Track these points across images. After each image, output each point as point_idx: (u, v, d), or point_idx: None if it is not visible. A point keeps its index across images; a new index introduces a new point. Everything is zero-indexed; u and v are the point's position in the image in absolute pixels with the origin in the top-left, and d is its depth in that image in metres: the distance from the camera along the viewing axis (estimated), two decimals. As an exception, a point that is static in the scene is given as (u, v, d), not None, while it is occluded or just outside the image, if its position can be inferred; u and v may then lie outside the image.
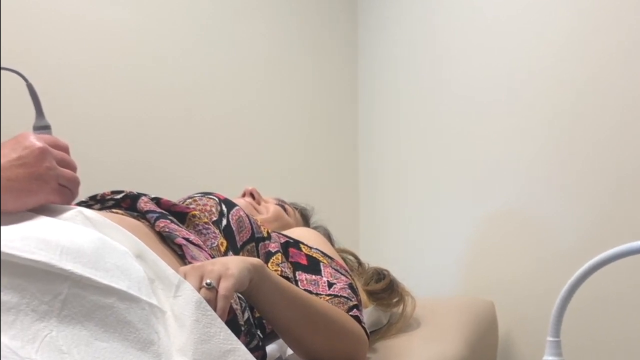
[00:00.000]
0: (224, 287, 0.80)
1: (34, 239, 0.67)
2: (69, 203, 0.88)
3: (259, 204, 1.40)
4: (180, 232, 0.97)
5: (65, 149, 0.88)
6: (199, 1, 1.93)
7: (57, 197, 0.84)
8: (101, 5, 1.75)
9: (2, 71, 0.97)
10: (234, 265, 0.84)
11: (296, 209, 1.50)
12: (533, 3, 1.53)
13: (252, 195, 1.41)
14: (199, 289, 0.78)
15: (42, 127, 0.94)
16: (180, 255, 0.93)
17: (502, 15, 1.62)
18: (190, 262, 0.90)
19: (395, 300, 1.37)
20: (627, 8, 1.31)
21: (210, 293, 0.79)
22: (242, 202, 1.32)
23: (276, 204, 1.42)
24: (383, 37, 2.10)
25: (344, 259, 1.34)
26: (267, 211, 1.38)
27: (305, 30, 2.12)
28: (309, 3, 2.14)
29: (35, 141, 0.83)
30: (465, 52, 1.74)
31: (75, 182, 0.87)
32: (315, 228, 1.46)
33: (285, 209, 1.43)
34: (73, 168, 0.88)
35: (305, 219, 1.52)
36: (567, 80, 1.43)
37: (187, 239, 0.96)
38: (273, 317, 0.95)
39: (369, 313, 1.31)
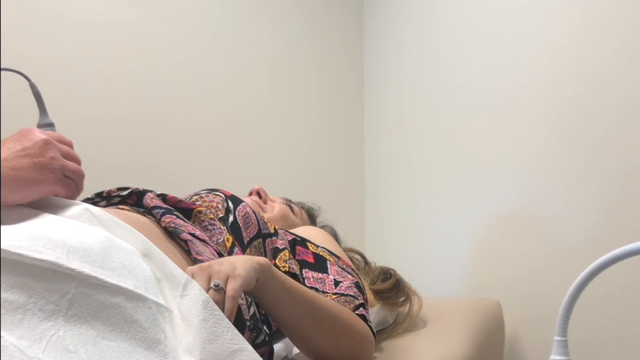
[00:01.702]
0: (231, 287, 0.80)
1: (40, 238, 0.67)
2: (74, 196, 0.88)
3: (265, 203, 1.40)
4: (186, 227, 0.97)
5: (70, 145, 0.89)
6: (205, 4, 1.94)
7: (62, 187, 0.85)
8: (106, 7, 1.75)
9: (3, 72, 0.97)
10: (241, 265, 0.84)
11: (303, 208, 1.50)
12: (537, 3, 1.53)
13: (258, 194, 1.41)
14: (206, 290, 0.79)
15: (46, 124, 0.95)
16: (186, 250, 0.94)
17: (505, 16, 1.62)
18: (195, 258, 0.91)
19: (401, 299, 1.37)
20: (629, 7, 1.31)
21: (218, 294, 0.79)
22: (248, 201, 1.33)
23: (283, 204, 1.43)
24: (388, 38, 2.10)
25: (350, 258, 1.34)
26: (273, 210, 1.38)
27: (312, 32, 2.13)
28: (315, 6, 2.14)
29: (39, 134, 0.83)
30: (469, 53, 1.74)
31: (80, 175, 0.87)
32: (322, 227, 1.46)
33: (292, 209, 1.43)
34: (77, 162, 0.88)
35: (312, 219, 1.53)
36: (571, 79, 1.43)
37: (192, 234, 0.96)
38: (279, 316, 0.95)
39: (375, 312, 1.31)
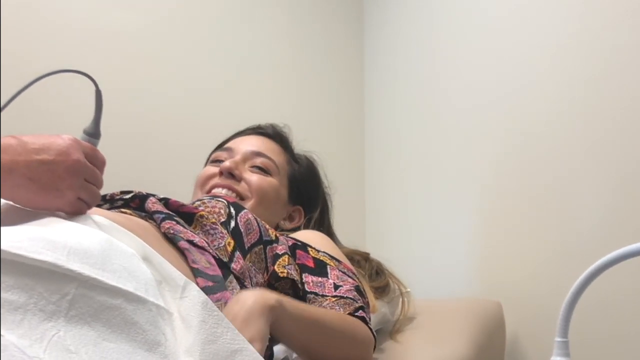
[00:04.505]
0: None
1: (41, 239, 0.67)
2: (81, 214, 0.88)
3: (240, 179, 1.31)
4: (185, 233, 0.97)
5: (102, 164, 0.88)
6: (204, 8, 1.94)
7: (71, 209, 0.84)
8: (112, 8, 1.76)
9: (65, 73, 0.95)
10: (256, 330, 0.84)
11: (270, 137, 1.43)
12: (537, 5, 1.53)
13: (231, 175, 1.31)
14: None
15: (91, 134, 0.93)
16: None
17: (505, 17, 1.63)
18: (191, 267, 0.91)
19: (386, 286, 1.38)
20: (629, 8, 1.31)
21: None
22: (219, 192, 1.29)
23: (252, 168, 1.34)
24: (388, 41, 2.11)
25: (351, 259, 1.35)
26: (250, 191, 1.30)
27: (312, 34, 2.13)
28: (316, 8, 2.15)
29: (73, 152, 0.82)
30: (469, 53, 1.74)
31: (95, 199, 0.87)
32: (297, 154, 1.46)
33: (264, 170, 1.34)
34: (99, 185, 0.88)
35: (286, 149, 1.45)
36: (572, 79, 1.43)
37: (191, 241, 0.96)
38: (290, 343, 0.97)
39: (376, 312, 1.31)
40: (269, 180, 1.33)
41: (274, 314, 0.89)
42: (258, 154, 1.36)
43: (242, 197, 1.29)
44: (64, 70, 0.90)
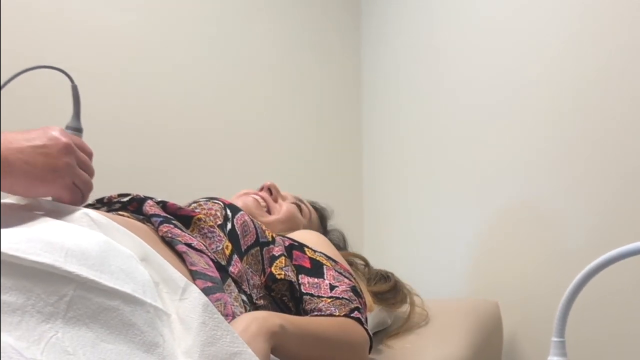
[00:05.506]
0: None
1: (39, 241, 0.67)
2: (76, 204, 0.88)
3: (275, 200, 1.41)
4: (182, 237, 0.97)
5: (89, 155, 0.90)
6: (204, 10, 1.94)
7: (68, 194, 0.85)
8: (108, 10, 1.76)
9: (42, 70, 0.96)
10: (263, 357, 0.83)
11: (316, 209, 1.51)
12: (537, 5, 1.53)
13: (269, 190, 1.42)
14: None
15: (74, 128, 0.95)
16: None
17: (504, 19, 1.63)
18: (189, 269, 0.91)
19: (399, 300, 1.38)
20: (630, 8, 1.31)
21: None
22: (249, 200, 1.33)
23: (292, 202, 1.43)
24: (386, 40, 2.11)
25: (351, 263, 1.35)
26: (280, 210, 1.38)
27: (310, 35, 2.14)
28: (314, 10, 2.15)
29: (63, 137, 0.84)
30: (468, 54, 1.74)
31: (89, 187, 0.89)
32: (331, 231, 1.47)
33: (300, 209, 1.44)
34: (91, 173, 0.89)
35: (322, 219, 1.53)
36: (571, 80, 1.43)
37: (189, 245, 0.96)
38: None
39: (373, 315, 1.31)
40: (300, 217, 1.43)
41: (276, 339, 0.88)
42: (300, 200, 1.47)
43: (269, 211, 1.37)
44: (39, 67, 0.92)
